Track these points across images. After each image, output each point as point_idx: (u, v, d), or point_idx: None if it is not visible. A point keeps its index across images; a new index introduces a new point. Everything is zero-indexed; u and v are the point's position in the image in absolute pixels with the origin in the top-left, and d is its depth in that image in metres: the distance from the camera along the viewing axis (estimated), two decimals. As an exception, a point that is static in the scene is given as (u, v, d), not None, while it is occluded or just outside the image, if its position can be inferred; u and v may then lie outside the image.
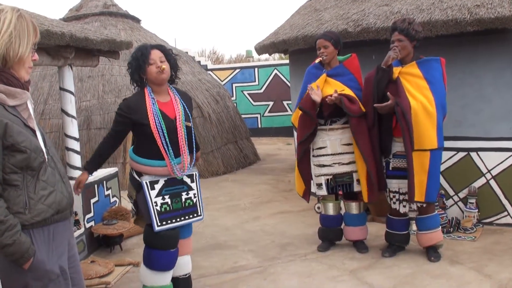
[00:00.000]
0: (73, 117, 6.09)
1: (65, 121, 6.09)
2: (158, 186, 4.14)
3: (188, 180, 4.29)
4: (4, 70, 2.49)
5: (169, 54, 4.23)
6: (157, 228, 4.09)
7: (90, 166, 4.26)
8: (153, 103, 4.09)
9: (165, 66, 4.10)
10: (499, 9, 5.52)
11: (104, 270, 5.26)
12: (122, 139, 4.29)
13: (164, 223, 4.12)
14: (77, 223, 5.74)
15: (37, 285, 2.57)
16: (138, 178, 4.17)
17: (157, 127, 4.02)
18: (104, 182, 6.47)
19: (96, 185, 6.25)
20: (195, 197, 4.32)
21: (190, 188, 4.30)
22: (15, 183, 2.49)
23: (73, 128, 6.10)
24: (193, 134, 4.27)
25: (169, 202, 4.17)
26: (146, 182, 4.11)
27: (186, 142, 4.16)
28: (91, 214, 6.11)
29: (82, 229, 5.81)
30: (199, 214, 4.36)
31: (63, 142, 7.23)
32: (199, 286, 4.88)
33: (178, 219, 4.21)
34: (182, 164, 4.15)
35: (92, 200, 6.15)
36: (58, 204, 2.62)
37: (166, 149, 4.05)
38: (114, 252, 6.03)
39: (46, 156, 2.59)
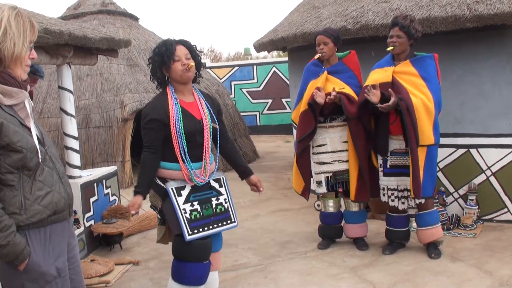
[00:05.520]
0: (72, 115, 6.07)
1: (64, 119, 6.07)
2: (185, 192, 3.85)
3: (216, 185, 4.02)
4: (0, 69, 2.47)
5: (194, 51, 3.96)
6: (188, 237, 3.75)
7: (142, 189, 3.81)
8: (175, 103, 3.82)
9: (192, 63, 3.84)
10: (499, 5, 5.51)
11: (104, 269, 5.25)
12: (160, 148, 3.84)
13: (195, 231, 3.79)
14: (76, 222, 5.73)
15: (33, 286, 2.55)
16: (162, 185, 3.87)
17: (176, 128, 3.77)
18: (104, 180, 6.46)
19: (95, 184, 6.24)
20: (226, 202, 4.03)
21: (220, 193, 4.02)
22: (11, 183, 2.47)
23: (72, 127, 6.08)
24: (218, 136, 4.02)
25: (199, 209, 3.86)
26: (172, 189, 3.81)
27: (211, 145, 3.95)
28: (91, 213, 6.10)
29: (82, 228, 5.80)
30: (233, 220, 4.03)
31: (62, 141, 7.21)
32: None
33: (210, 227, 3.88)
34: (203, 168, 3.89)
35: (92, 199, 6.13)
36: (55, 205, 2.59)
37: (182, 151, 3.80)
38: (114, 251, 6.03)
39: (43, 156, 2.56)
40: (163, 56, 3.83)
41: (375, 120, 5.28)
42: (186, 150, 3.81)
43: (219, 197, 4.02)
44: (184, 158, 3.82)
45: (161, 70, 3.89)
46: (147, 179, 3.84)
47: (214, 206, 3.96)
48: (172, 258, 4.00)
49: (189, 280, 3.91)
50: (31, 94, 6.65)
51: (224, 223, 3.99)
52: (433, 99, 4.99)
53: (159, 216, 4.10)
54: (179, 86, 3.93)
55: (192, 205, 3.84)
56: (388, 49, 5.13)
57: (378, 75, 5.21)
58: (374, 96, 4.96)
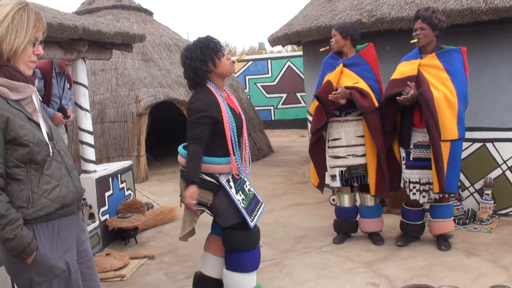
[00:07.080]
0: (86, 110, 6.09)
1: (79, 114, 6.09)
2: (232, 184, 3.94)
3: None
4: (6, 64, 2.47)
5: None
6: (252, 224, 3.92)
7: (196, 179, 3.81)
8: (222, 100, 3.88)
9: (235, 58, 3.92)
10: (515, -2, 5.45)
11: (120, 263, 5.28)
12: (205, 144, 3.84)
13: (252, 217, 3.96)
14: (92, 216, 5.76)
15: (41, 280, 2.56)
16: (213, 180, 3.89)
17: (230, 125, 3.84)
18: (119, 175, 6.49)
19: (110, 178, 6.26)
20: (252, 186, 4.18)
21: (245, 180, 4.14)
22: (18, 177, 2.48)
23: (86, 122, 6.11)
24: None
25: (244, 197, 3.98)
26: (226, 182, 3.90)
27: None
28: (106, 208, 6.13)
29: (97, 223, 5.83)
30: (262, 201, 4.24)
31: (77, 135, 7.24)
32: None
33: (256, 211, 4.06)
34: (243, 159, 4.02)
35: (107, 194, 6.16)
36: (63, 199, 2.60)
37: (234, 146, 3.87)
38: (129, 245, 6.05)
39: (51, 150, 2.56)
40: (216, 51, 3.88)
41: (401, 113, 5.26)
42: (237, 145, 3.91)
43: (247, 183, 4.13)
44: (235, 152, 3.90)
45: (208, 65, 3.88)
46: (199, 170, 3.84)
47: (248, 192, 4.08)
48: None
49: (248, 267, 4.07)
50: (68, 77, 6.68)
51: (259, 205, 4.15)
52: (457, 93, 4.94)
53: (208, 212, 4.05)
54: (219, 82, 4.00)
55: (240, 195, 3.95)
56: (412, 41, 5.10)
57: (404, 68, 5.19)
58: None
